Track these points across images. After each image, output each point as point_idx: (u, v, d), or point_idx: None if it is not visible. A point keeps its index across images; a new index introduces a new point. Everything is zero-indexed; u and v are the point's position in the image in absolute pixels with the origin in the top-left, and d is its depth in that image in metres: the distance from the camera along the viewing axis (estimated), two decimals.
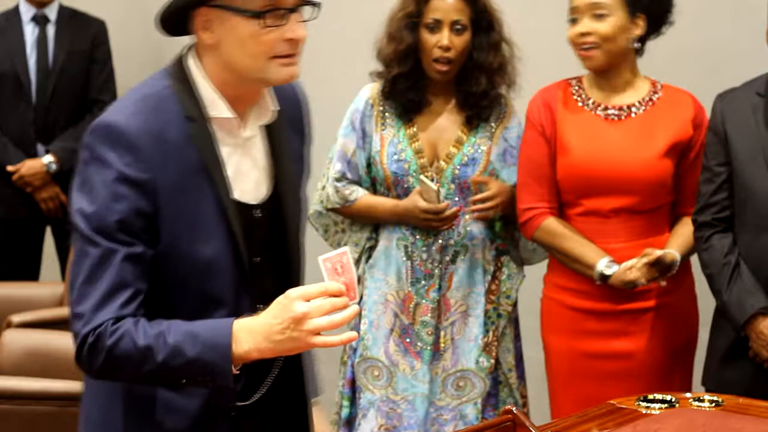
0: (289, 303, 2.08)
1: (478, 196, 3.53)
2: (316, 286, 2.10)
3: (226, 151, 2.25)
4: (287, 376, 2.36)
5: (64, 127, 5.08)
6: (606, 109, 3.44)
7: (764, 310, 3.20)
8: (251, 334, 2.09)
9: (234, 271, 2.22)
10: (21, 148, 5.07)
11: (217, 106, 2.23)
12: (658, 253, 3.30)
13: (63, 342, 4.12)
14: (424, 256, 3.56)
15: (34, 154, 5.07)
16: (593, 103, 3.45)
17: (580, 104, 3.46)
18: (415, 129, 3.58)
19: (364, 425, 3.57)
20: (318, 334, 2.08)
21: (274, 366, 2.31)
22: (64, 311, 4.51)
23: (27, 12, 5.15)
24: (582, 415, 2.63)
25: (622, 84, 3.45)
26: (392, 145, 3.57)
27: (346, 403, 3.64)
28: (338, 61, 4.80)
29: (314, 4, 2.24)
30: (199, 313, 2.17)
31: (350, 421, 3.63)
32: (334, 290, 2.10)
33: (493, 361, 3.59)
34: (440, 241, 3.56)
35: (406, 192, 3.56)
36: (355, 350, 3.63)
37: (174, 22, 2.25)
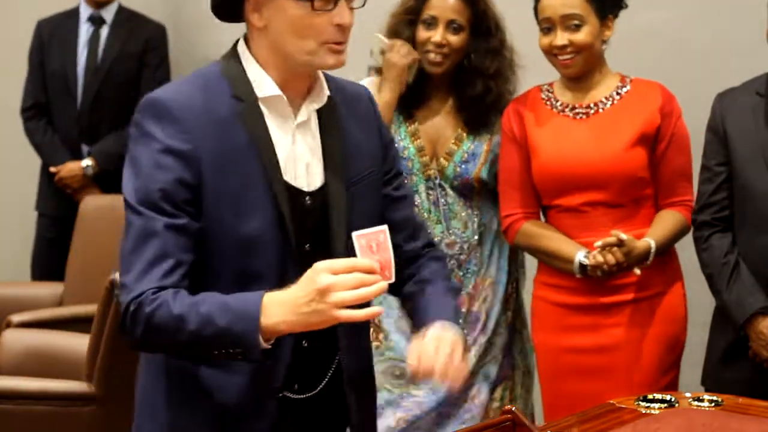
0: (315, 275, 2.08)
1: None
2: (344, 260, 2.11)
3: (277, 133, 2.27)
4: (342, 376, 2.37)
5: (108, 128, 5.11)
6: (574, 109, 3.45)
7: (764, 310, 3.20)
8: (280, 306, 2.10)
9: (279, 250, 2.23)
10: (67, 147, 5.11)
11: (264, 85, 2.26)
12: (622, 235, 3.29)
13: (63, 342, 4.13)
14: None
15: (78, 154, 5.11)
16: (561, 105, 3.46)
17: (549, 108, 3.47)
18: (416, 126, 3.58)
19: (381, 422, 3.56)
20: (344, 307, 2.07)
21: (332, 364, 2.34)
22: (63, 311, 4.52)
23: (85, 12, 5.23)
24: (582, 415, 2.63)
25: (592, 84, 3.45)
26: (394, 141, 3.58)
27: None
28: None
29: None
30: (240, 289, 2.18)
31: None
32: (363, 266, 2.09)
33: (510, 312, 3.63)
34: (449, 237, 3.56)
35: None
36: None
37: (227, 8, 2.28)
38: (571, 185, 3.39)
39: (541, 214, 3.53)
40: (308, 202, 2.29)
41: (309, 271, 2.10)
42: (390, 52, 3.51)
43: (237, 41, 2.33)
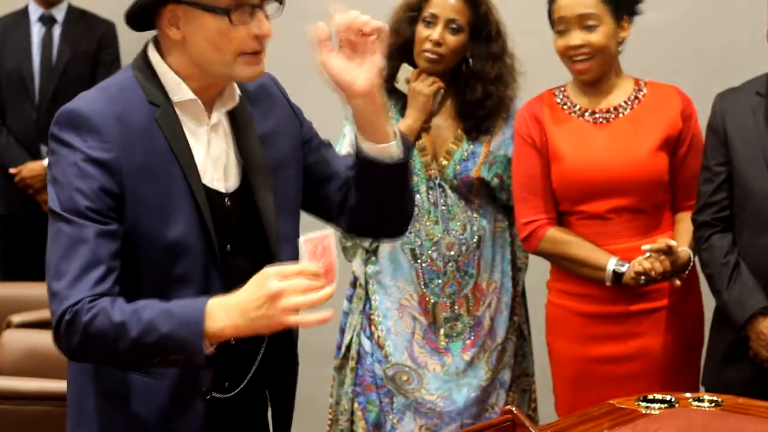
0: (264, 280, 2.08)
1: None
2: (293, 266, 2.11)
3: (193, 137, 2.27)
4: (268, 372, 2.38)
5: None
6: (593, 113, 3.44)
7: (764, 310, 3.19)
8: (226, 311, 2.10)
9: (202, 253, 2.24)
10: (25, 148, 5.09)
11: (179, 90, 2.26)
12: (671, 242, 3.28)
13: None
14: (434, 255, 3.55)
15: (37, 154, 5.10)
16: (580, 109, 3.45)
17: (567, 112, 3.46)
18: None
19: (404, 427, 3.56)
20: (295, 312, 2.08)
21: (254, 361, 2.34)
22: None
23: (35, 12, 5.20)
24: (582, 415, 2.63)
25: (609, 87, 3.45)
26: None
27: (372, 407, 3.62)
28: None
29: (279, 1, 2.27)
30: (165, 293, 2.18)
31: (378, 425, 3.61)
32: (311, 271, 2.10)
33: (517, 317, 3.63)
34: (448, 238, 3.55)
35: None
36: (370, 354, 3.60)
37: (140, 18, 2.28)
38: (596, 191, 3.38)
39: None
40: (228, 204, 2.30)
41: (258, 276, 2.10)
42: (415, 81, 3.53)
43: (145, 48, 2.31)
